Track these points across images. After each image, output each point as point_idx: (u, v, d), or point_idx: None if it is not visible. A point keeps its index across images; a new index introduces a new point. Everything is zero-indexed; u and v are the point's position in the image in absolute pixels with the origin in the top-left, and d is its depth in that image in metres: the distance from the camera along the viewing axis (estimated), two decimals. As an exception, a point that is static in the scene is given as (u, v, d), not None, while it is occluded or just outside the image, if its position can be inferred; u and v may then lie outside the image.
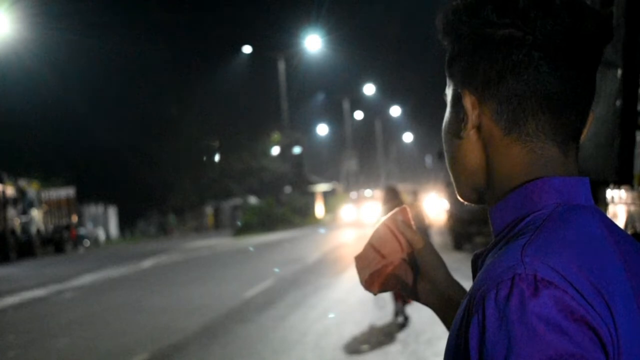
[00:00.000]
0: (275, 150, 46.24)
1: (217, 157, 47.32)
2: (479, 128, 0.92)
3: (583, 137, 0.93)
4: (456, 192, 0.98)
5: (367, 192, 41.61)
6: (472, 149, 0.93)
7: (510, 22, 0.88)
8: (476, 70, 0.91)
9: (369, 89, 58.69)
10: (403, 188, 16.89)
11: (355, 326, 8.91)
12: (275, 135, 44.78)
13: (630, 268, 0.85)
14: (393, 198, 9.39)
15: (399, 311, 9.09)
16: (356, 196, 40.49)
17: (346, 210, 38.53)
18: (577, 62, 0.88)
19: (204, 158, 46.32)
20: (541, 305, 0.75)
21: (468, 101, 0.92)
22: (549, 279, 0.77)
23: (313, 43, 41.49)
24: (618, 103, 3.70)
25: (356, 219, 35.03)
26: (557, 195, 0.88)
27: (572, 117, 0.89)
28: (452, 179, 0.98)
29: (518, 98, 0.88)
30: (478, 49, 0.90)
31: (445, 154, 0.98)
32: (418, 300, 1.18)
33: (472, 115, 0.91)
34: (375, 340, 8.15)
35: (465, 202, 0.99)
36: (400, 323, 8.95)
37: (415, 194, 13.82)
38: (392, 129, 71.24)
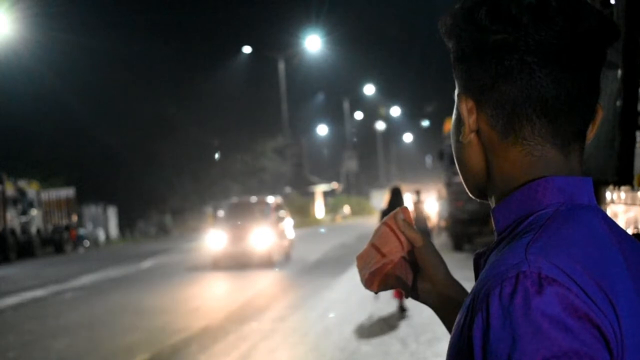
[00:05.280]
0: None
1: (217, 157, 47.29)
2: (478, 132, 0.92)
3: (591, 135, 0.93)
4: (466, 189, 1.00)
5: (254, 197, 21.72)
6: (473, 152, 0.94)
7: (503, 28, 0.87)
8: (472, 76, 0.91)
9: (369, 89, 58.77)
10: (405, 188, 16.39)
11: (355, 326, 8.91)
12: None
13: (632, 267, 0.85)
14: (396, 198, 9.56)
15: (400, 308, 9.27)
16: (235, 203, 20.92)
17: (215, 234, 18.49)
18: (574, 65, 0.87)
19: (204, 158, 46.30)
20: (545, 303, 0.76)
21: (464, 106, 0.92)
22: (553, 276, 0.77)
23: (313, 43, 41.52)
24: (618, 103, 3.71)
25: (236, 250, 17.76)
26: (560, 195, 0.88)
27: (571, 119, 0.89)
28: (460, 178, 0.99)
29: (512, 103, 0.88)
30: (474, 54, 0.91)
31: (453, 154, 0.99)
32: (417, 299, 1.18)
33: (468, 120, 0.92)
34: (376, 340, 8.15)
35: (478, 200, 1.00)
36: (401, 317, 9.09)
37: (418, 193, 13.81)
38: (393, 129, 71.27)
